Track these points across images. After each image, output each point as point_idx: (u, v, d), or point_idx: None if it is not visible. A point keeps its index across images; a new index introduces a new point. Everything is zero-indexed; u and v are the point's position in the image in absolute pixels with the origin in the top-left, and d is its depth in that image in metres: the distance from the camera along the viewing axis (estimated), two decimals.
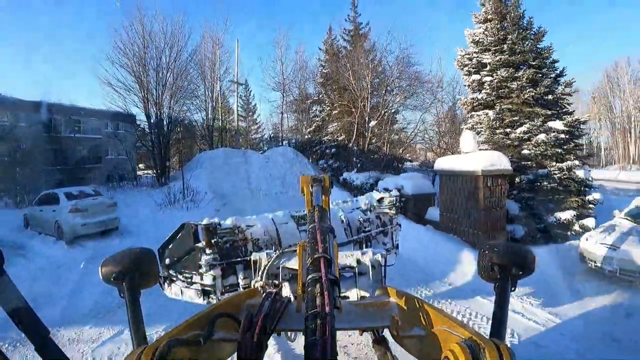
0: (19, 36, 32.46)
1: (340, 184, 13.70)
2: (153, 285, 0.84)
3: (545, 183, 7.38)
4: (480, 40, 9.03)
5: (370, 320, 0.96)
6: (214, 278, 2.80)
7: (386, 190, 9.75)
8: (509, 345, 0.56)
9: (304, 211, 3.26)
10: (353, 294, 1.88)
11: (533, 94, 7.85)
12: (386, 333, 1.04)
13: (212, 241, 2.85)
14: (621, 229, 6.02)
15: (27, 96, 16.75)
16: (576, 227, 7.51)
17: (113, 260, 0.79)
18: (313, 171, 15.69)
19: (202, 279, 2.85)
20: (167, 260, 3.05)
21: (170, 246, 3.05)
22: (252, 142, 27.35)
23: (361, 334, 2.71)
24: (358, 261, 2.01)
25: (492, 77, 8.29)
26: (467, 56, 9.22)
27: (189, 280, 2.93)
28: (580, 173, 7.61)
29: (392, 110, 16.84)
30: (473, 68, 9.07)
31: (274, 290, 0.97)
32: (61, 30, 35.67)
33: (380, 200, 3.99)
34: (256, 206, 11.29)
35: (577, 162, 7.54)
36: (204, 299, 2.87)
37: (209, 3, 40.33)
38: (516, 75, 8.11)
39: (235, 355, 0.67)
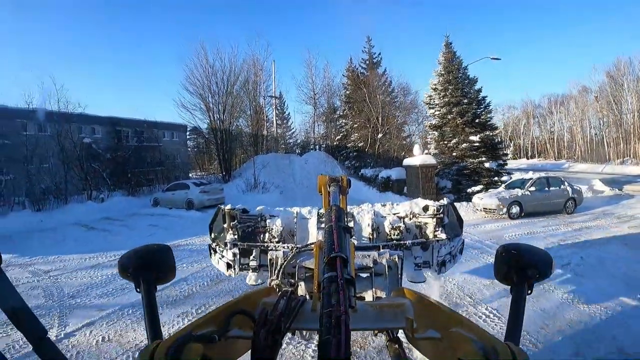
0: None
1: (359, 177, 20.07)
2: (169, 281, 0.84)
3: (464, 171, 13.57)
4: (436, 87, 15.26)
5: (384, 321, 0.91)
6: (234, 255, 3.28)
7: (383, 177, 16.10)
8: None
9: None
10: (369, 295, 1.90)
11: (461, 121, 14.01)
12: (401, 334, 1.01)
13: (232, 224, 3.34)
14: (493, 192, 12.17)
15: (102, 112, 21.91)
16: None
17: (129, 256, 0.78)
18: (340, 170, 20.17)
19: (227, 254, 3.37)
20: (213, 235, 3.63)
21: (215, 222, 3.62)
22: (287, 146, 30.79)
23: (375, 335, 2.76)
24: (375, 261, 2.04)
25: (440, 111, 14.52)
26: (429, 97, 15.52)
27: (222, 253, 3.46)
28: (487, 165, 13.62)
29: (398, 122, 22.99)
30: (432, 104, 15.33)
31: (290, 289, 0.94)
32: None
33: (425, 208, 3.53)
34: (299, 194, 16.89)
35: (484, 158, 13.58)
36: (227, 271, 3.40)
37: (252, 33, 49.00)
38: (452, 110, 14.28)
39: (249, 353, 0.65)
